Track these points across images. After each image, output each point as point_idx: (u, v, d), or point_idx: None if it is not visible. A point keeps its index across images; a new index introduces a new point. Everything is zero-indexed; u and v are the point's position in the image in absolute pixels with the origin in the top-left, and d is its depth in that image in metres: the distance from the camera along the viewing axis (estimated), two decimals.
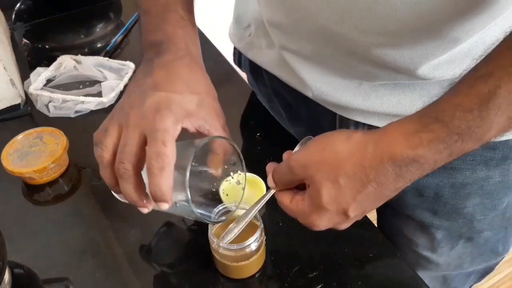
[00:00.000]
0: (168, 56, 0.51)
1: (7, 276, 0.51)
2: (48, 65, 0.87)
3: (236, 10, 0.77)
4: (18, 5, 1.09)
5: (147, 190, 0.46)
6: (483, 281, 0.81)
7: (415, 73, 0.53)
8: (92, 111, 0.79)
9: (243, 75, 0.86)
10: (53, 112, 0.79)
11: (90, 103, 0.79)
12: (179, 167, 0.44)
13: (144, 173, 0.46)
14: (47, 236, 0.62)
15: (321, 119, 0.68)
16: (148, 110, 0.46)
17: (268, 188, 0.50)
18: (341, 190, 0.43)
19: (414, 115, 0.43)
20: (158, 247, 0.60)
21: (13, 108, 0.81)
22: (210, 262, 0.56)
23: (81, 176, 0.70)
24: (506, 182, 0.63)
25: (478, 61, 0.41)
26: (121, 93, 0.82)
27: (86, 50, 0.96)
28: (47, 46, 1.00)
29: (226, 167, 0.53)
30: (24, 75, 0.85)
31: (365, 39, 0.51)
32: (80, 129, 0.75)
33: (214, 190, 0.55)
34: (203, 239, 0.54)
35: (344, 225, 0.47)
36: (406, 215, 0.69)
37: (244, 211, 0.51)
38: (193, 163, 0.45)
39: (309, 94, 0.63)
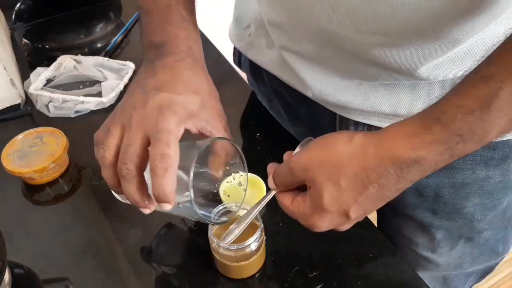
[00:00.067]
0: (170, 57, 0.51)
1: (7, 276, 0.51)
2: (48, 65, 0.87)
3: (236, 10, 0.77)
4: (18, 5, 1.09)
5: (149, 191, 0.46)
6: (483, 281, 0.81)
7: (415, 74, 0.53)
8: (92, 111, 0.79)
9: (243, 75, 0.86)
10: (53, 112, 0.79)
11: (90, 103, 0.79)
12: (182, 168, 0.44)
13: (146, 174, 0.46)
14: (47, 236, 0.62)
15: (321, 119, 0.68)
16: (151, 111, 0.46)
17: (268, 189, 0.50)
18: (342, 191, 0.43)
19: (415, 116, 0.43)
20: (158, 247, 0.60)
21: (13, 108, 0.81)
22: (210, 262, 0.56)
23: (81, 176, 0.70)
24: (506, 182, 0.63)
25: (479, 62, 0.40)
26: (121, 93, 0.82)
27: (86, 50, 0.96)
28: (47, 46, 1.00)
29: (227, 168, 0.53)
30: (24, 75, 0.85)
31: (365, 39, 0.51)
32: (80, 129, 0.74)
33: (215, 191, 0.55)
34: (203, 239, 0.54)
35: (345, 226, 0.47)
36: (406, 215, 0.69)
37: (245, 211, 0.51)
38: (195, 164, 0.45)
39: (309, 94, 0.63)
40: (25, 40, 1.00)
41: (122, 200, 0.56)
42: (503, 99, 0.38)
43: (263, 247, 0.54)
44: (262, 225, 0.53)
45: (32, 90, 0.81)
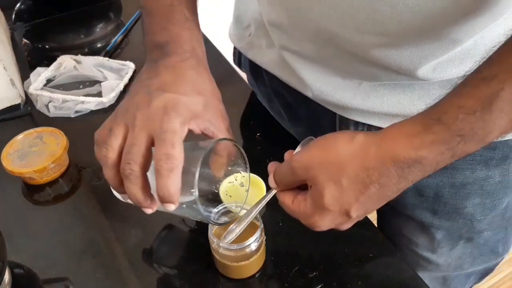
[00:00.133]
0: (174, 57, 0.51)
1: (7, 276, 0.51)
2: (48, 65, 0.87)
3: (236, 10, 0.77)
4: (18, 5, 1.09)
5: (151, 191, 0.46)
6: (483, 280, 0.81)
7: (415, 74, 0.53)
8: (92, 111, 0.79)
9: (243, 75, 0.86)
10: (53, 112, 0.79)
11: (90, 103, 0.79)
12: (186, 168, 0.44)
13: (148, 174, 0.46)
14: (47, 236, 0.62)
15: (321, 119, 0.68)
16: (156, 111, 0.46)
17: (268, 188, 0.50)
18: (343, 191, 0.43)
19: (416, 116, 0.43)
20: (158, 247, 0.60)
21: (13, 108, 0.81)
22: (210, 262, 0.56)
23: (81, 176, 0.70)
24: (506, 182, 0.63)
25: (481, 63, 0.41)
26: (121, 93, 0.82)
27: (86, 50, 0.96)
28: (47, 46, 1.00)
29: (229, 168, 0.53)
30: (24, 75, 0.85)
31: (365, 40, 0.51)
32: (80, 129, 0.74)
33: (216, 191, 0.55)
34: (203, 239, 0.54)
35: (346, 226, 0.47)
36: (406, 215, 0.69)
37: (245, 211, 0.51)
38: (195, 164, 0.45)
39: (309, 94, 0.63)
40: (25, 40, 1.00)
41: (123, 200, 0.56)
42: (504, 100, 0.38)
43: (263, 247, 0.54)
44: (262, 225, 0.53)
45: (32, 90, 0.81)
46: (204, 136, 0.50)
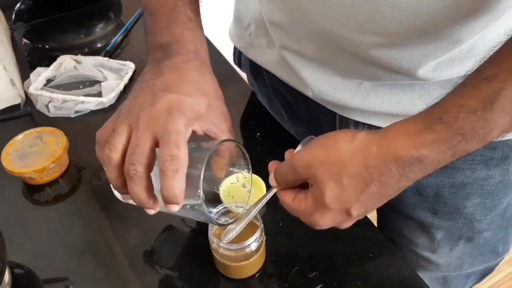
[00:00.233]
0: (177, 58, 0.51)
1: (7, 276, 0.51)
2: (48, 65, 0.87)
3: (236, 9, 0.77)
4: (18, 5, 1.09)
5: (154, 191, 0.46)
6: (483, 280, 0.81)
7: (415, 74, 0.53)
8: (92, 111, 0.79)
9: (243, 75, 0.86)
10: (53, 112, 0.79)
11: (90, 103, 0.79)
12: (189, 170, 0.44)
13: (151, 175, 0.46)
14: (47, 236, 0.62)
15: (321, 118, 0.68)
16: (160, 112, 0.46)
17: (268, 188, 0.50)
18: (344, 189, 0.43)
19: (417, 115, 0.43)
20: (158, 247, 0.60)
21: (13, 108, 0.81)
22: (210, 262, 0.56)
23: (81, 176, 0.70)
24: (506, 182, 0.63)
25: (481, 63, 0.41)
26: (121, 93, 0.82)
27: (86, 50, 0.96)
28: (47, 46, 1.00)
29: (231, 169, 0.53)
30: (24, 75, 0.85)
31: (366, 40, 0.51)
32: (80, 129, 0.75)
33: (217, 192, 0.55)
34: (203, 239, 0.54)
35: (346, 224, 0.47)
36: (406, 215, 0.69)
37: (245, 210, 0.51)
38: (199, 166, 0.45)
39: (309, 93, 0.63)
40: (25, 40, 1.00)
41: (122, 200, 0.56)
42: (506, 99, 0.38)
43: (263, 247, 0.54)
44: (262, 225, 0.53)
45: (32, 90, 0.81)
46: (207, 137, 0.50)
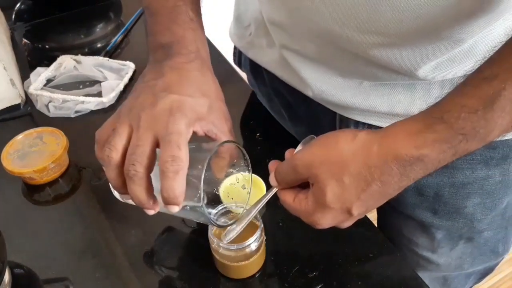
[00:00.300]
0: (179, 58, 0.51)
1: (7, 276, 0.51)
2: (48, 65, 0.87)
3: (236, 9, 0.77)
4: (18, 5, 1.09)
5: (154, 192, 0.46)
6: (483, 280, 0.81)
7: (416, 74, 0.53)
8: (92, 111, 0.79)
9: (243, 75, 0.86)
10: (53, 112, 0.79)
11: (90, 103, 0.79)
12: (190, 171, 0.44)
13: (151, 175, 0.46)
14: (47, 236, 0.62)
15: (321, 118, 0.68)
16: (161, 112, 0.46)
17: (268, 188, 0.50)
18: (345, 188, 0.43)
19: (418, 115, 0.43)
20: (158, 247, 0.60)
21: (13, 108, 0.81)
22: (210, 262, 0.56)
23: (81, 176, 0.70)
24: (506, 181, 0.63)
25: (482, 63, 0.41)
26: (121, 93, 0.82)
27: (86, 50, 0.96)
28: (47, 46, 1.00)
29: (231, 170, 0.53)
30: (24, 75, 0.85)
31: (366, 40, 0.51)
32: (80, 129, 0.75)
33: (216, 192, 0.55)
34: (203, 239, 0.54)
35: (347, 224, 0.47)
36: (406, 215, 0.69)
37: (245, 210, 0.51)
38: (200, 167, 0.45)
39: (309, 93, 0.63)
40: (25, 40, 1.00)
41: (122, 200, 0.56)
42: (506, 99, 0.38)
43: (263, 247, 0.54)
44: (262, 225, 0.53)
45: (32, 90, 0.81)
46: (207, 138, 0.50)
